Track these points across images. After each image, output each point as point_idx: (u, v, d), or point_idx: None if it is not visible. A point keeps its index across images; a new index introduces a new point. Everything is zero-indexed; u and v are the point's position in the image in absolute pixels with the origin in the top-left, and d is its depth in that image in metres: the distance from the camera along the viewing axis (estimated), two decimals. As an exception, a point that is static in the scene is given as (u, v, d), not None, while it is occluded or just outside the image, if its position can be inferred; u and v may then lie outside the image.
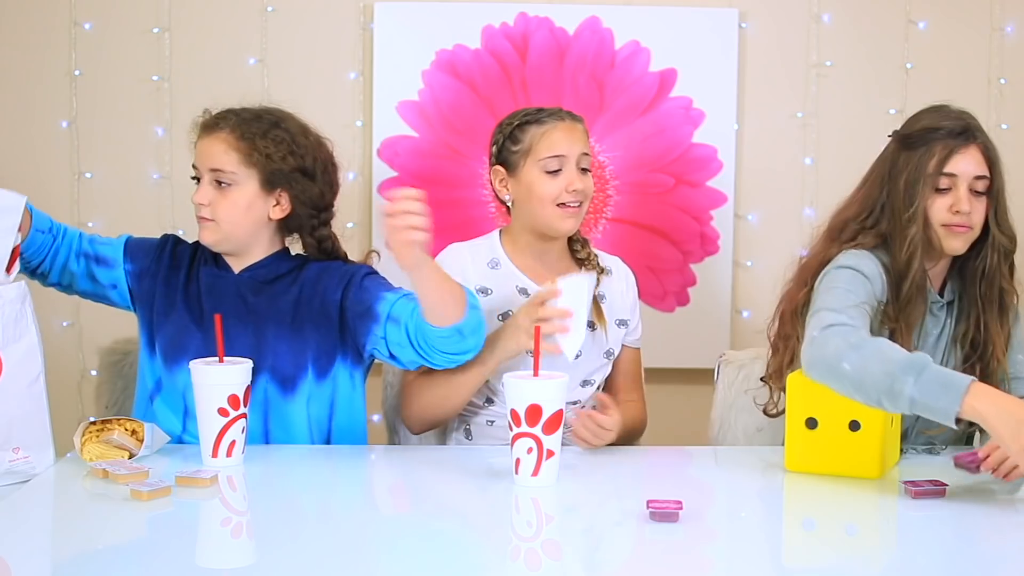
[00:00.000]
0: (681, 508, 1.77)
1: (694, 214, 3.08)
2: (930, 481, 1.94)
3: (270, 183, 2.22)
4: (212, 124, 2.24)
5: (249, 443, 2.17)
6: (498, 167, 2.38)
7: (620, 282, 2.46)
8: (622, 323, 2.43)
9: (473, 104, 3.02)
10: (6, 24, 3.04)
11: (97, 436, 2.09)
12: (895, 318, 2.13)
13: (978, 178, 2.12)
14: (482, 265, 2.39)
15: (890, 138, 2.22)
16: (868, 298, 2.08)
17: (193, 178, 2.25)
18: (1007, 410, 1.83)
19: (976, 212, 2.12)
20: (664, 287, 3.09)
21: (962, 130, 2.12)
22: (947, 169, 2.11)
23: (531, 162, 2.33)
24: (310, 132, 2.29)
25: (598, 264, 2.42)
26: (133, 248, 2.31)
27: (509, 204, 2.39)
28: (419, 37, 3.03)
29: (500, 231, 2.44)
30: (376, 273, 2.31)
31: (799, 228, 3.09)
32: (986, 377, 2.16)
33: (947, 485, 1.92)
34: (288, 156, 2.23)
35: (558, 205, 2.31)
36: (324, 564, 1.64)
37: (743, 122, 3.09)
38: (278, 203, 2.24)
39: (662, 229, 3.08)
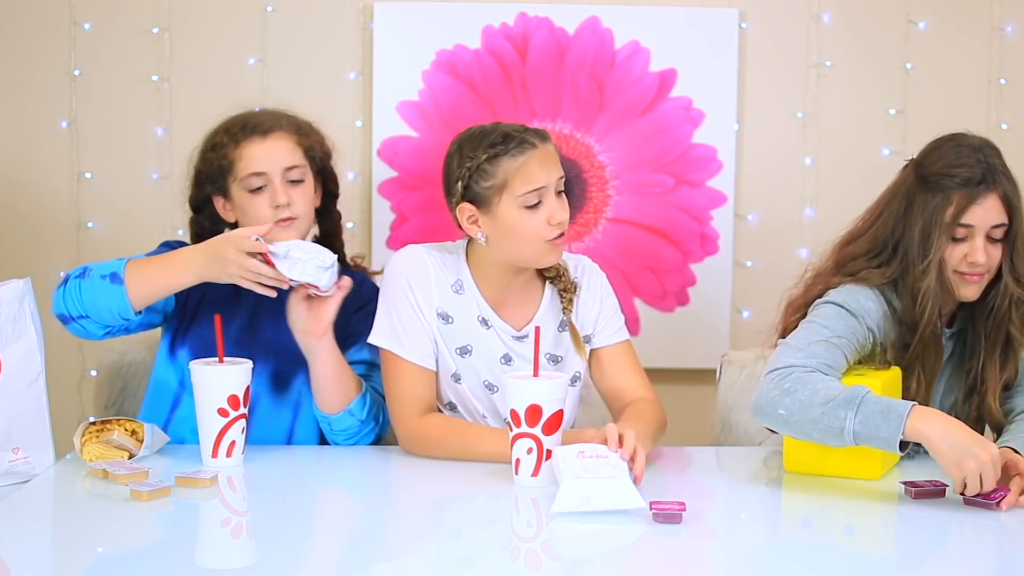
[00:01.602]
0: (684, 509, 1.77)
1: (694, 214, 3.08)
2: (930, 481, 1.94)
3: (317, 173, 2.33)
4: (267, 128, 2.27)
5: (277, 441, 2.24)
6: (466, 204, 2.16)
7: (584, 296, 2.27)
8: (585, 339, 2.27)
9: (473, 104, 3.02)
10: (6, 24, 3.04)
11: (97, 436, 2.09)
12: (908, 365, 2.10)
13: (996, 226, 2.08)
14: (446, 286, 2.21)
15: (906, 166, 2.17)
16: (847, 333, 2.06)
17: (256, 188, 2.24)
18: (952, 432, 1.86)
19: (992, 259, 2.09)
20: (664, 287, 3.08)
21: (981, 177, 2.06)
22: (964, 220, 2.06)
23: (508, 199, 2.12)
24: None
25: (571, 284, 2.24)
26: None
27: (483, 242, 2.17)
28: (419, 37, 3.03)
29: (468, 245, 2.25)
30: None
31: (799, 228, 3.09)
32: (980, 415, 2.15)
33: (947, 485, 1.92)
34: (325, 145, 2.36)
35: (545, 240, 2.14)
36: (324, 564, 1.64)
37: (743, 122, 3.08)
38: (316, 191, 2.34)
39: (662, 229, 3.08)
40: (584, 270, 2.30)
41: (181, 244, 2.31)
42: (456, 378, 2.22)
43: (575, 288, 2.25)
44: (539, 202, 2.13)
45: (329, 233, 2.42)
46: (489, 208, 2.15)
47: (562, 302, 2.25)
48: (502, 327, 2.22)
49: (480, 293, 2.22)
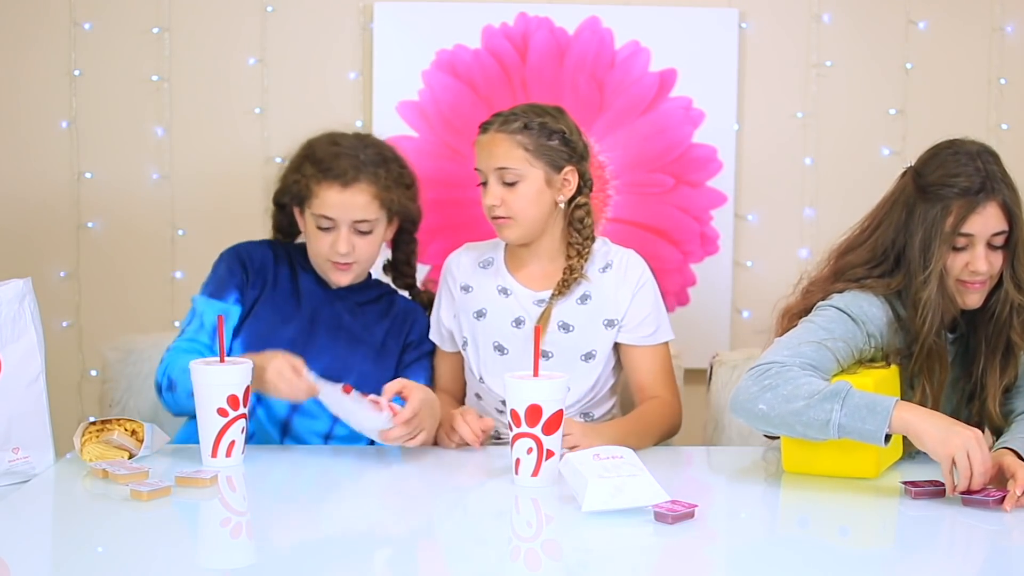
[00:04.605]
0: (692, 509, 1.78)
1: (694, 214, 3.08)
2: (930, 481, 1.94)
3: (392, 218, 2.37)
4: (349, 179, 2.28)
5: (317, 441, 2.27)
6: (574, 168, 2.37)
7: (616, 279, 2.37)
8: (609, 323, 2.36)
9: (473, 104, 3.02)
10: (6, 24, 3.04)
11: (97, 436, 2.09)
12: (913, 375, 2.10)
13: (996, 234, 2.07)
14: (473, 264, 2.43)
15: (904, 174, 2.16)
16: (845, 336, 2.06)
17: (323, 227, 2.29)
18: (935, 417, 1.91)
19: (994, 266, 2.08)
20: (664, 287, 3.05)
21: (980, 186, 2.05)
22: (964, 229, 2.05)
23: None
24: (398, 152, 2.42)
25: (580, 270, 2.35)
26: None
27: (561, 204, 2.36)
28: (419, 37, 3.03)
29: None
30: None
31: (799, 228, 3.09)
32: (981, 420, 2.14)
33: (947, 485, 1.92)
34: (408, 189, 2.38)
35: (493, 218, 2.33)
36: (324, 564, 1.64)
37: (743, 122, 3.09)
38: (390, 227, 2.39)
39: (662, 229, 3.08)
40: (627, 261, 2.40)
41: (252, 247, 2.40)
42: (464, 344, 2.40)
43: (580, 273, 2.35)
44: (484, 182, 2.34)
45: (399, 260, 2.49)
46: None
47: (563, 276, 2.35)
48: (522, 293, 2.38)
49: (507, 268, 2.41)
